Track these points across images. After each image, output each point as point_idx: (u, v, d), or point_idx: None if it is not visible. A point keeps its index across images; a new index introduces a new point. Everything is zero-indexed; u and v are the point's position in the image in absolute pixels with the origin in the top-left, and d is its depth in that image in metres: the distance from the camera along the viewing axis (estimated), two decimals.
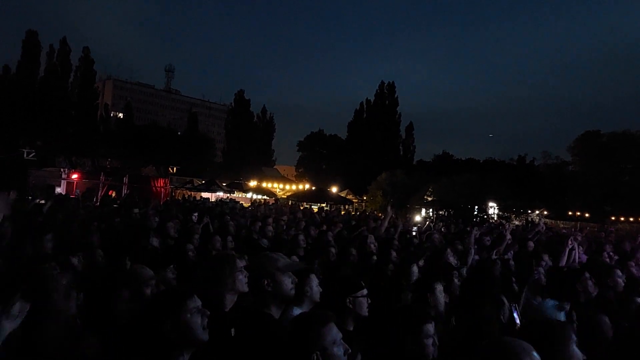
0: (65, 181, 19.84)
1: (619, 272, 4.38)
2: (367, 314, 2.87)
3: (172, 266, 3.60)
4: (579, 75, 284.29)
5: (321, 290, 2.96)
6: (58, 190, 18.21)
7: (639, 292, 4.11)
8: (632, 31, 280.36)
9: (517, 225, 20.01)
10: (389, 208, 9.33)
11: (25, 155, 17.85)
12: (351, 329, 2.81)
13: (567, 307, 3.82)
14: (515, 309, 3.51)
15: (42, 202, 10.05)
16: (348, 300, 2.84)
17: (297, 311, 2.75)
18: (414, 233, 9.36)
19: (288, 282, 2.71)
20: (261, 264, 2.76)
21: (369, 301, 2.92)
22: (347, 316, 2.81)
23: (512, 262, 5.67)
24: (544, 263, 5.23)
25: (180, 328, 1.92)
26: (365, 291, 2.93)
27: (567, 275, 4.15)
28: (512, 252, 6.58)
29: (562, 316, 3.76)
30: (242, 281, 2.64)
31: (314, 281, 2.95)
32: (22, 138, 21.03)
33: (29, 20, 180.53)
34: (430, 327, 2.41)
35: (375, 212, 24.41)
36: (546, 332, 2.26)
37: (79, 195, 14.09)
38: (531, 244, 7.09)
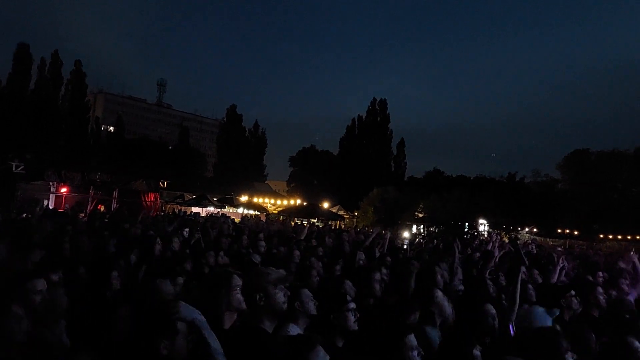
0: (54, 195, 19.65)
1: (600, 290, 4.44)
2: (356, 327, 2.85)
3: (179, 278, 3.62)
4: (569, 93, 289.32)
5: (316, 303, 2.90)
6: (46, 203, 18.00)
7: (622, 308, 4.17)
8: (621, 51, 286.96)
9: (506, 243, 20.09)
10: (381, 230, 9.33)
11: (13, 169, 17.62)
12: (340, 345, 2.78)
13: (557, 312, 3.88)
14: (511, 323, 3.55)
15: (29, 216, 9.95)
16: (332, 316, 2.83)
17: (292, 328, 2.72)
18: (405, 247, 9.38)
19: (281, 296, 2.69)
20: (252, 279, 2.74)
21: (357, 315, 2.91)
22: (335, 332, 2.78)
23: (502, 279, 5.69)
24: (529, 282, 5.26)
25: (172, 350, 1.99)
26: (351, 305, 2.90)
27: (554, 292, 4.20)
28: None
29: (550, 322, 3.82)
30: (239, 300, 2.61)
31: (306, 296, 2.89)
32: (11, 151, 20.79)
33: (21, 32, 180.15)
34: (413, 339, 2.41)
35: (366, 227, 24.42)
36: (539, 341, 2.32)
37: (69, 210, 13.94)
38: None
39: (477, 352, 2.46)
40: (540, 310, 4.02)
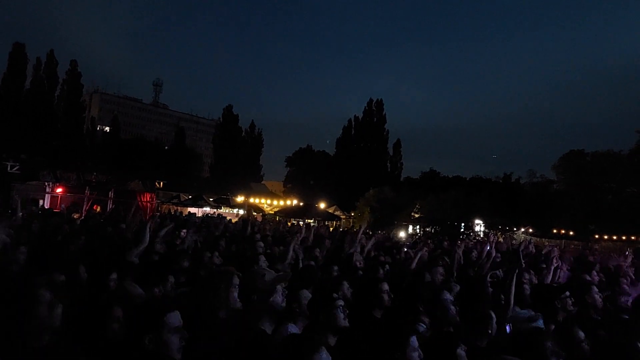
0: (49, 195, 19.58)
1: (595, 289, 4.45)
2: (346, 324, 2.84)
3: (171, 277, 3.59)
4: (565, 95, 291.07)
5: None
6: (41, 203, 17.94)
7: (618, 308, 4.19)
8: (619, 53, 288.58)
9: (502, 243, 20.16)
10: (361, 225, 9.28)
11: (9, 169, 17.54)
12: (333, 343, 2.77)
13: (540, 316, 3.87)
14: (508, 324, 3.55)
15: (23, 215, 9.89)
16: (320, 315, 2.83)
17: (291, 328, 2.73)
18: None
19: (278, 295, 2.68)
20: (250, 280, 2.75)
21: (347, 311, 2.90)
22: (325, 331, 2.78)
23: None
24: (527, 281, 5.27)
25: (158, 344, 1.98)
26: (340, 302, 2.90)
27: (549, 292, 4.20)
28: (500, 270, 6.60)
29: (540, 323, 3.80)
30: (235, 298, 2.62)
31: (305, 297, 2.89)
32: (6, 151, 20.72)
33: (17, 32, 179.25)
34: (416, 340, 2.43)
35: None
36: (527, 342, 2.41)
37: (64, 210, 13.88)
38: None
39: (461, 351, 2.48)
40: (524, 312, 4.00)
